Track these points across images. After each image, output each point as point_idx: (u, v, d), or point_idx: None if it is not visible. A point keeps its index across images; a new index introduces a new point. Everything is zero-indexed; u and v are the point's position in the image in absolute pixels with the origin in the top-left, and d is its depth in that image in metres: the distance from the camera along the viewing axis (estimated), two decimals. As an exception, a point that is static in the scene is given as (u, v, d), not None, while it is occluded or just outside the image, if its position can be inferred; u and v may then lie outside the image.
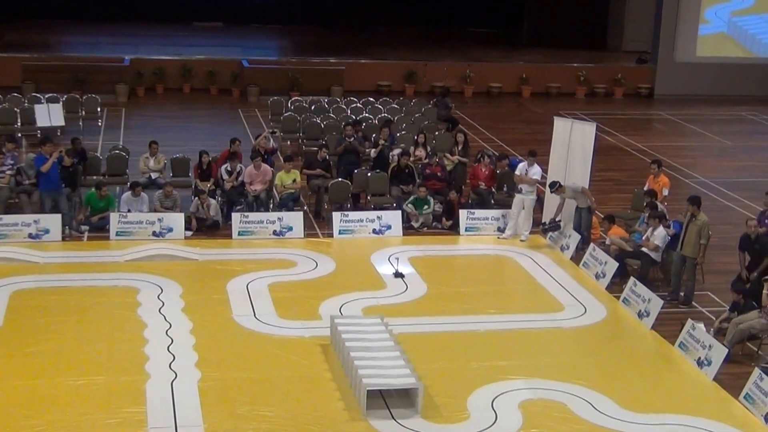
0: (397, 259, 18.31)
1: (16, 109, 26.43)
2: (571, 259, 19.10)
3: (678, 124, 32.80)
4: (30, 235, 18.91)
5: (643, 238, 18.09)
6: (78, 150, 21.03)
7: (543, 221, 20.10)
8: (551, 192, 19.55)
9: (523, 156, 21.53)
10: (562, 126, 20.57)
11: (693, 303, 17.22)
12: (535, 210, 20.41)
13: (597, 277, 18.03)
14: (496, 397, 13.62)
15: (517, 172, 20.22)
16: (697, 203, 17.09)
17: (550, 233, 19.86)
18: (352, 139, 22.54)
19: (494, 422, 12.99)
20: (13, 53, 33.81)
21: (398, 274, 17.77)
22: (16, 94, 28.26)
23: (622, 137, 29.82)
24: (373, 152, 22.37)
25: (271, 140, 23.51)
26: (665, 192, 19.70)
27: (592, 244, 18.78)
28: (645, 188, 19.88)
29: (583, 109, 33.27)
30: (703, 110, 34.67)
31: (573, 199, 19.50)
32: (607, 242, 18.71)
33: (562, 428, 12.94)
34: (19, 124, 26.17)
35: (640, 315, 16.43)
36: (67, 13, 42.29)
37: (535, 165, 20.01)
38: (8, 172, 20.11)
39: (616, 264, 17.76)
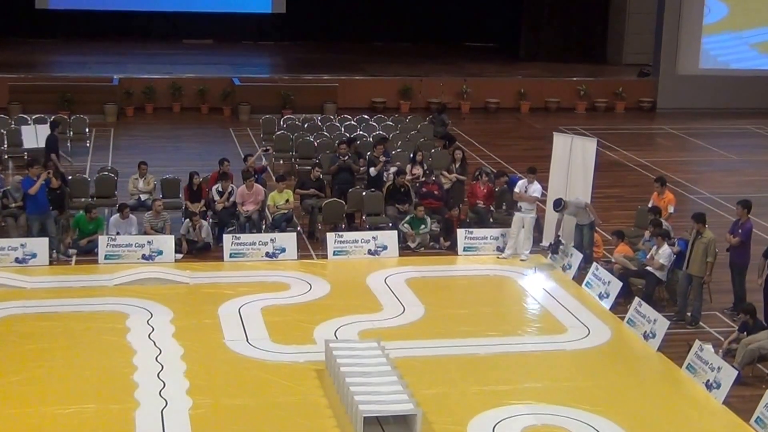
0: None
1: (2, 130, 26.25)
2: (573, 278, 18.84)
3: (681, 139, 32.59)
4: (17, 260, 18.72)
5: (648, 256, 17.81)
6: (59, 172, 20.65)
7: (550, 242, 19.61)
8: (556, 211, 19.08)
9: (522, 173, 21.21)
10: (561, 142, 20.44)
11: (700, 323, 16.96)
12: (534, 229, 20.07)
13: (600, 297, 17.79)
14: (498, 422, 13.40)
15: (516, 190, 19.97)
16: (703, 220, 16.90)
17: (553, 254, 19.45)
18: (346, 157, 22.22)
19: (496, 449, 12.76)
20: (-1, 74, 33.53)
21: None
22: (2, 116, 28.02)
23: (624, 152, 29.59)
24: (372, 170, 22.07)
25: (263, 158, 23.16)
26: (671, 209, 19.47)
27: (594, 263, 18.48)
28: (649, 205, 19.62)
29: (583, 124, 33.06)
30: (708, 124, 34.46)
31: (573, 216, 19.15)
32: (612, 260, 18.34)
33: (566, 455, 12.75)
34: (5, 146, 25.96)
35: (645, 336, 16.18)
36: (53, 32, 42.18)
37: (535, 182, 19.77)
38: (-6, 196, 19.82)
39: (620, 283, 17.54)
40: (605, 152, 28.17)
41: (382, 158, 22.32)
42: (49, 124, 24.19)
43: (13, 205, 19.72)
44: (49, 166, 20.64)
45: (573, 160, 19.93)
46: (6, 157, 25.53)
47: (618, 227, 20.30)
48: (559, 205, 18.94)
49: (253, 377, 14.52)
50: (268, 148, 24.77)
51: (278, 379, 14.46)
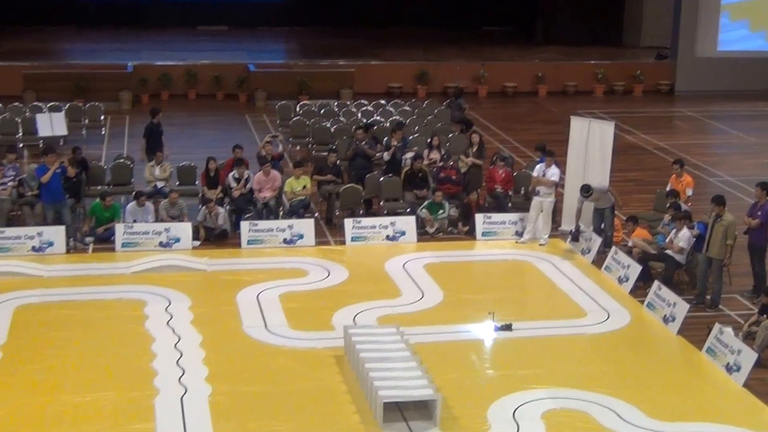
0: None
1: (17, 119, 26.25)
2: (592, 262, 18.75)
3: (700, 122, 32.41)
4: (33, 248, 18.70)
5: (667, 240, 17.73)
6: (78, 160, 20.70)
7: (571, 230, 19.48)
8: (585, 197, 18.90)
9: (539, 157, 21.03)
10: (579, 125, 20.36)
11: (720, 306, 16.86)
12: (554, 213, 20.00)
13: (620, 281, 17.69)
14: (518, 407, 13.34)
15: (534, 174, 19.82)
16: (722, 203, 16.78)
17: (573, 241, 19.32)
18: (363, 143, 22.12)
19: (516, 433, 12.72)
20: (14, 62, 33.61)
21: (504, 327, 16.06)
22: (17, 104, 28.05)
23: (643, 136, 29.42)
24: (386, 155, 21.99)
25: (280, 145, 23.09)
26: (689, 192, 19.40)
27: (614, 247, 18.38)
28: (668, 188, 19.52)
29: (601, 108, 32.89)
30: (726, 106, 34.24)
31: (594, 201, 19.04)
32: (630, 244, 18.25)
33: (586, 439, 12.68)
34: (20, 134, 25.98)
35: (665, 320, 16.09)
36: (67, 19, 42.18)
37: (553, 166, 19.62)
38: (10, 184, 19.89)
39: (640, 267, 17.43)
40: (623, 135, 27.95)
41: (394, 143, 22.20)
42: (150, 111, 23.85)
43: (29, 193, 19.73)
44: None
45: (591, 144, 19.82)
46: (21, 145, 25.50)
47: (637, 211, 20.28)
48: (588, 191, 18.75)
49: (272, 364, 14.50)
50: (276, 134, 24.67)
51: (297, 365, 14.43)
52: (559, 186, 20.01)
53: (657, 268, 17.72)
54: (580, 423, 12.94)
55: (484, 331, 15.70)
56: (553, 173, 19.57)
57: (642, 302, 16.81)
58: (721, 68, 36.12)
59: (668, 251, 17.53)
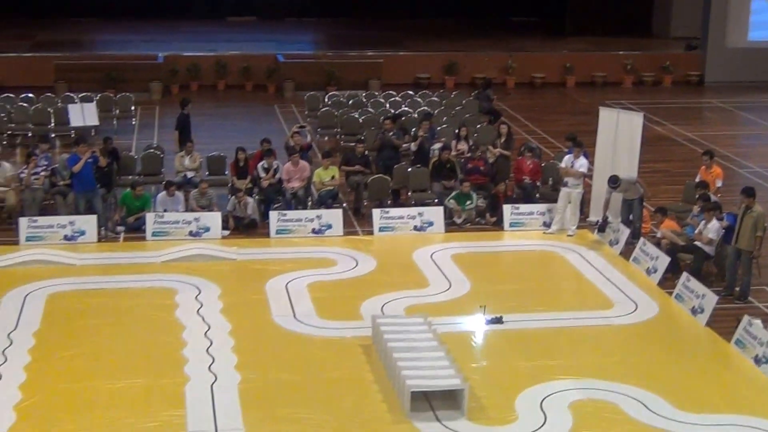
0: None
1: (49, 109, 26.40)
2: (620, 254, 18.69)
3: (730, 113, 32.21)
4: (65, 237, 18.86)
5: (696, 231, 17.65)
6: (109, 150, 20.83)
7: (598, 220, 19.46)
8: (612, 188, 18.86)
9: (568, 148, 21.01)
10: (607, 116, 20.27)
11: (749, 298, 16.77)
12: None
13: (648, 272, 17.64)
14: (545, 397, 13.34)
15: (562, 165, 19.81)
16: (752, 194, 16.69)
17: (600, 232, 19.29)
18: (391, 133, 22.16)
19: (543, 424, 12.72)
20: (46, 53, 33.85)
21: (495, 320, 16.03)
22: (49, 94, 28.22)
23: (672, 127, 29.26)
24: (413, 146, 22.00)
25: (308, 136, 23.15)
26: (719, 183, 19.31)
27: (642, 239, 18.33)
28: (697, 179, 19.44)
29: (630, 99, 32.71)
30: (757, 97, 33.96)
31: (623, 192, 19.00)
32: (659, 235, 18.21)
33: (614, 429, 12.65)
34: (52, 124, 26.15)
35: (693, 311, 16.04)
36: (99, 10, 42.29)
37: (581, 157, 19.57)
38: (42, 174, 20.04)
39: (668, 259, 17.37)
40: (652, 126, 27.80)
41: (421, 134, 22.22)
42: (180, 102, 23.91)
43: (61, 183, 19.88)
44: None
45: (619, 135, 19.74)
46: (53, 135, 25.71)
47: (665, 202, 20.21)
48: (616, 182, 18.70)
49: (300, 352, 14.56)
50: (303, 125, 24.73)
51: (325, 354, 14.49)
52: (587, 177, 20.01)
53: (686, 259, 17.65)
54: (608, 414, 12.92)
55: (514, 322, 15.71)
56: (582, 164, 19.55)
57: (670, 294, 16.74)
58: (752, 59, 35.80)
59: (697, 243, 17.46)
